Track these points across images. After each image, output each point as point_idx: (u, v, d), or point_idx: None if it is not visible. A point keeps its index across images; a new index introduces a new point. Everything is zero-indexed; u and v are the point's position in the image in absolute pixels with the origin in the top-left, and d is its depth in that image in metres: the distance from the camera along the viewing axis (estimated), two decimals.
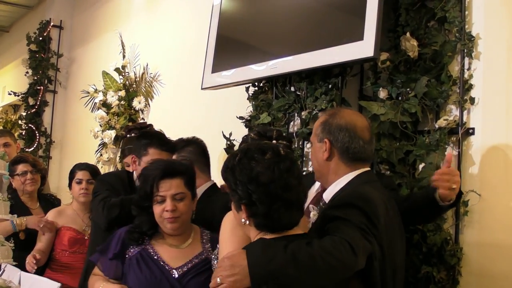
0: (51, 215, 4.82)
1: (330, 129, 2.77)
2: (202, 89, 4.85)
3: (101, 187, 3.78)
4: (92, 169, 4.97)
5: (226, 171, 2.38)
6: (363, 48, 3.45)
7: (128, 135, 5.06)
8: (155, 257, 2.97)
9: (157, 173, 2.96)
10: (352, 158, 2.73)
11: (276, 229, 2.30)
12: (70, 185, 4.91)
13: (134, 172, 3.84)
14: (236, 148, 4.61)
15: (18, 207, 4.69)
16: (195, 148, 3.89)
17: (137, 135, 4.46)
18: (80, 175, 4.84)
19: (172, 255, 3.00)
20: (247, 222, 2.32)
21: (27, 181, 5.02)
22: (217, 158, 5.15)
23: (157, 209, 2.95)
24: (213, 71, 4.73)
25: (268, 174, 2.25)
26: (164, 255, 2.99)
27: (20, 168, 5.03)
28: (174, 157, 4.05)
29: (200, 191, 3.56)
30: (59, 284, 4.19)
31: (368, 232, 2.37)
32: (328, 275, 2.22)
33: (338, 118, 2.78)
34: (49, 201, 5.33)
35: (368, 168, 2.80)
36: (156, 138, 3.79)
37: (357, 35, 3.48)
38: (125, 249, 3.02)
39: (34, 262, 4.33)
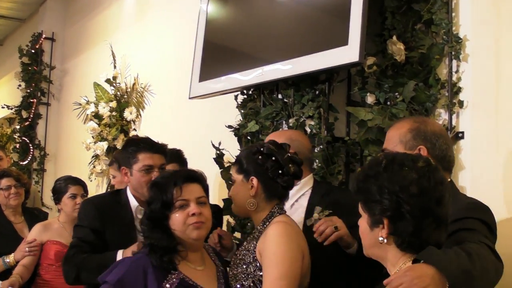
0: (36, 229, 4.75)
1: (426, 136, 2.63)
2: (189, 98, 4.80)
3: (83, 221, 3.45)
4: (83, 184, 4.93)
5: (366, 180, 2.05)
6: (348, 53, 3.39)
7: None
8: (195, 286, 2.61)
9: (178, 178, 2.67)
10: (447, 166, 2.65)
11: (420, 250, 1.99)
12: (58, 200, 4.82)
13: (128, 189, 3.50)
14: (226, 157, 4.56)
15: (1, 222, 4.67)
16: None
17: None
18: (74, 190, 4.72)
19: (204, 279, 2.67)
20: (385, 240, 2.01)
21: (11, 195, 4.96)
22: (206, 168, 5.09)
23: (179, 216, 2.62)
24: (201, 80, 4.67)
25: (423, 184, 1.96)
26: (199, 280, 2.63)
27: (4, 182, 4.97)
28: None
29: None
30: None
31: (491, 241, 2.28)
32: (494, 281, 2.14)
33: (431, 125, 2.69)
34: (34, 215, 5.26)
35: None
36: (142, 142, 3.49)
37: (342, 40, 3.42)
38: (160, 283, 2.56)
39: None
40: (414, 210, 1.94)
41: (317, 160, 3.70)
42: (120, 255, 3.12)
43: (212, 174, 5.00)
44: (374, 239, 2.04)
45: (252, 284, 2.64)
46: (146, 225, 2.69)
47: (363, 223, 2.09)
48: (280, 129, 4.04)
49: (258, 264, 2.64)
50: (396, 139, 2.68)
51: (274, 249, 2.59)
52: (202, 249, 2.81)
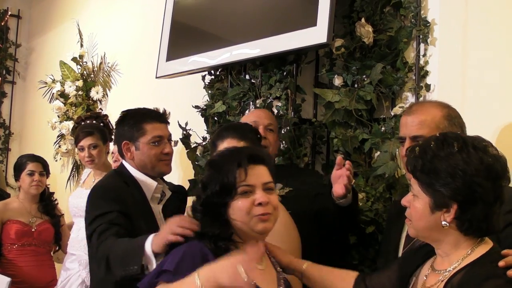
0: None
1: (458, 122, 2.58)
2: (156, 77, 4.76)
3: (103, 207, 2.84)
4: (43, 161, 5.00)
5: (435, 160, 1.90)
6: (316, 34, 3.38)
7: (83, 123, 4.98)
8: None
9: (242, 158, 2.22)
10: None
11: (484, 236, 1.94)
12: (17, 177, 4.88)
13: (130, 166, 3.09)
14: (192, 138, 4.53)
15: None
16: None
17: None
18: (32, 166, 4.86)
19: (264, 282, 2.23)
20: (448, 224, 1.91)
21: None
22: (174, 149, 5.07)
23: (242, 204, 2.17)
24: (168, 59, 4.64)
25: (497, 168, 1.87)
26: (258, 280, 2.13)
27: None
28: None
29: None
30: (9, 279, 4.16)
31: None
32: None
33: (453, 109, 2.62)
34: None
35: None
36: (147, 111, 3.16)
37: (311, 21, 3.41)
38: None
39: None
40: (488, 195, 1.86)
41: (283, 142, 3.69)
42: (150, 240, 2.45)
43: (177, 155, 4.98)
44: (434, 222, 1.94)
45: None
46: (200, 212, 2.27)
47: (420, 204, 1.98)
48: (248, 110, 4.03)
49: None
50: (433, 125, 2.55)
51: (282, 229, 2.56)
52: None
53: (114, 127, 3.31)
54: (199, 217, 2.28)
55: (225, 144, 2.90)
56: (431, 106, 2.64)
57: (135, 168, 3.06)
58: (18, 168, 4.88)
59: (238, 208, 2.17)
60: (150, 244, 2.42)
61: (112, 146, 4.64)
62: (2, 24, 8.89)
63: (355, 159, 3.50)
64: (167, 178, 4.16)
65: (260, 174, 2.23)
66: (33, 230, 4.75)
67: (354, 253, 3.33)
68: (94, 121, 4.97)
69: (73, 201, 4.57)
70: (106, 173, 4.04)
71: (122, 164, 3.13)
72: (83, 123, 5.01)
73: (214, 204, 2.21)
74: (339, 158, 2.81)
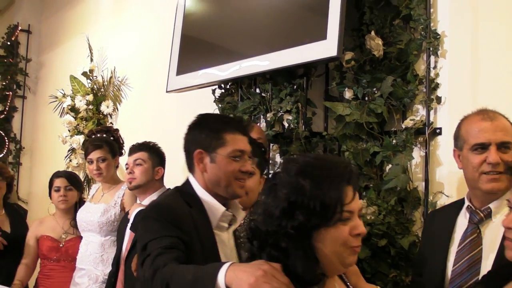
0: (33, 224, 5.01)
1: None
2: (167, 92, 4.77)
3: (151, 233, 2.38)
4: (69, 176, 5.03)
5: None
6: (326, 47, 3.38)
7: (93, 136, 5.01)
8: None
9: (351, 175, 1.84)
10: None
11: None
12: (50, 194, 4.97)
13: (197, 183, 2.60)
14: None
15: None
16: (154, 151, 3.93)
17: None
18: (58, 182, 4.90)
19: None
20: None
21: None
22: (183, 162, 5.07)
23: (342, 232, 1.78)
24: (178, 74, 4.65)
25: None
26: None
27: None
28: (130, 160, 4.00)
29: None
30: None
31: None
32: None
33: None
34: (14, 209, 5.30)
35: None
36: (228, 118, 2.83)
37: (320, 34, 3.41)
38: None
39: None
40: None
41: (294, 155, 3.69)
42: (224, 271, 1.95)
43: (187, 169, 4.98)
44: None
45: None
46: (287, 240, 1.79)
47: None
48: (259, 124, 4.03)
49: None
50: (510, 135, 2.56)
51: None
52: None
53: (186, 133, 2.73)
54: (284, 248, 1.80)
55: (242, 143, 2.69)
56: (498, 113, 2.61)
57: (203, 187, 2.58)
58: (49, 186, 4.95)
59: (334, 237, 1.78)
60: (224, 275, 1.93)
61: (121, 160, 4.65)
62: (13, 39, 8.94)
63: (366, 172, 3.49)
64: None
65: (357, 196, 1.86)
66: (61, 245, 4.78)
67: (366, 266, 3.31)
68: (104, 135, 4.99)
69: (82, 216, 4.58)
70: (164, 191, 4.04)
71: (187, 181, 2.65)
72: (93, 136, 5.04)
73: (303, 231, 1.77)
74: None
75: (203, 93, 4.73)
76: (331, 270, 1.86)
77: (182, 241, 2.32)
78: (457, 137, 2.67)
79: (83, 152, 5.19)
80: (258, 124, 4.04)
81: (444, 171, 3.30)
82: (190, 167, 2.64)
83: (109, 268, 4.20)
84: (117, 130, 5.18)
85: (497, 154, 2.48)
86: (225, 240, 2.60)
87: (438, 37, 3.38)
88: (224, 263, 1.98)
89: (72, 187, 4.91)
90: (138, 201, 4.12)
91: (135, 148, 4.06)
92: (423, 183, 3.36)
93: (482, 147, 2.52)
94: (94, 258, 4.44)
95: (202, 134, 2.59)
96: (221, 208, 2.56)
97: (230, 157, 2.53)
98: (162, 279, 2.14)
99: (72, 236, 4.83)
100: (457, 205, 2.74)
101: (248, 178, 2.68)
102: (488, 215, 2.54)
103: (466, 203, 2.65)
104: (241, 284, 1.84)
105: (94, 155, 4.59)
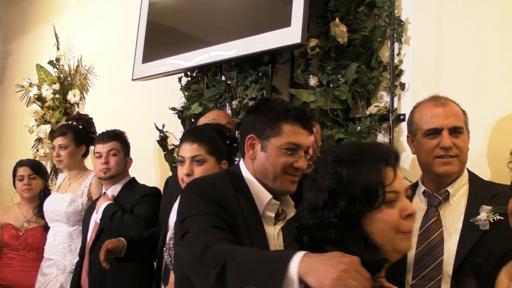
0: None
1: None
2: (132, 80, 4.74)
3: (193, 209, 2.22)
4: (33, 164, 5.00)
5: None
6: (290, 34, 3.38)
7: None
8: None
9: (389, 155, 1.74)
10: None
11: None
12: (14, 183, 4.95)
13: (245, 168, 2.45)
14: (169, 140, 4.53)
15: None
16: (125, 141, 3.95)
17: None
18: (21, 171, 4.89)
19: None
20: None
21: None
22: (151, 150, 5.06)
23: (390, 215, 1.68)
24: (144, 61, 4.62)
25: None
26: None
27: None
28: (102, 149, 3.97)
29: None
30: None
31: None
32: None
33: None
34: None
35: None
36: (289, 106, 2.44)
37: (285, 22, 3.41)
38: None
39: None
40: None
41: None
42: (298, 259, 1.69)
43: (154, 157, 4.98)
44: None
45: None
46: (334, 231, 1.69)
47: None
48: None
49: None
50: (462, 119, 2.64)
51: None
52: None
53: (244, 116, 2.64)
54: (335, 234, 1.70)
55: (182, 148, 2.89)
56: (450, 100, 2.67)
57: (252, 173, 2.41)
58: (13, 175, 4.94)
59: (383, 221, 1.68)
60: (298, 265, 1.69)
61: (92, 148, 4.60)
62: None
63: None
64: (142, 179, 4.17)
65: (401, 176, 1.76)
66: (20, 234, 4.75)
67: None
68: (74, 122, 4.93)
69: (49, 206, 4.54)
70: (130, 179, 4.14)
71: (237, 165, 2.51)
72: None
73: (351, 217, 1.68)
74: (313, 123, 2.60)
75: (169, 81, 4.71)
76: (388, 257, 1.72)
77: (225, 222, 2.16)
78: (411, 123, 2.72)
79: (50, 141, 5.14)
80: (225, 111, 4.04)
81: (408, 156, 3.31)
82: (242, 152, 2.48)
83: (77, 258, 4.18)
84: (91, 118, 5.13)
85: (450, 138, 2.54)
86: (271, 235, 2.36)
87: (402, 24, 3.40)
88: (294, 251, 1.73)
89: (36, 176, 4.88)
90: (104, 190, 4.09)
91: (107, 137, 4.01)
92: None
93: (435, 132, 2.58)
94: (62, 248, 4.41)
95: (258, 119, 2.40)
96: (267, 195, 2.36)
97: (282, 149, 2.33)
98: (217, 257, 1.91)
99: (34, 225, 4.80)
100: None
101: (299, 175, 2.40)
102: (446, 198, 2.60)
103: (422, 187, 2.69)
104: (321, 278, 1.63)
105: (56, 141, 4.55)
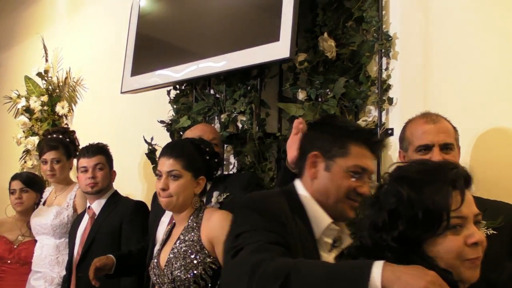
0: None
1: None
2: (121, 93, 4.74)
3: (249, 224, 2.02)
4: (26, 177, 4.98)
5: None
6: (279, 48, 3.39)
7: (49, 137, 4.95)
8: None
9: (457, 176, 1.63)
10: None
11: None
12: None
13: (303, 187, 2.25)
14: (157, 153, 4.52)
15: None
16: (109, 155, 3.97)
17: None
18: (13, 185, 4.88)
19: None
20: None
21: None
22: (139, 163, 5.06)
23: (454, 242, 1.59)
24: (133, 74, 4.62)
25: None
26: None
27: None
28: (88, 163, 3.96)
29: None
30: None
31: None
32: None
33: None
34: None
35: None
36: (358, 127, 2.39)
37: (273, 36, 3.42)
38: None
39: None
40: None
41: (248, 156, 3.70)
42: (379, 269, 1.56)
43: (143, 170, 4.97)
44: None
45: (203, 271, 2.74)
46: (391, 255, 1.61)
47: None
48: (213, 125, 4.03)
49: (206, 252, 2.77)
50: (451, 136, 2.66)
51: None
52: None
53: (305, 131, 2.42)
54: (393, 259, 1.59)
55: (160, 163, 2.91)
56: (441, 116, 2.70)
57: (310, 193, 2.22)
58: (9, 188, 4.93)
59: (446, 249, 1.59)
60: (380, 274, 1.56)
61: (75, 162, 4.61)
62: None
63: None
64: (128, 192, 4.16)
65: (471, 201, 1.65)
66: (14, 247, 4.73)
67: None
68: (60, 136, 4.93)
69: (35, 219, 4.53)
70: (113, 192, 4.14)
71: (292, 185, 2.30)
72: (49, 136, 4.98)
73: (410, 242, 1.59)
74: (296, 121, 2.64)
75: (158, 94, 4.72)
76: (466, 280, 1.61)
77: (284, 240, 1.97)
78: (402, 139, 2.75)
79: (38, 152, 5.13)
80: (212, 125, 4.04)
81: None
82: (300, 170, 2.29)
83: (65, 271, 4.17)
84: (73, 131, 5.13)
85: (440, 154, 2.55)
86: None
87: (390, 39, 3.41)
88: (371, 261, 1.59)
89: (28, 189, 4.85)
90: (88, 204, 4.08)
91: (93, 151, 4.01)
92: (376, 183, 3.38)
93: (426, 148, 2.60)
94: (49, 260, 4.40)
95: (325, 136, 2.23)
96: (327, 219, 2.16)
97: (349, 171, 2.16)
98: (279, 270, 1.72)
99: (28, 239, 4.78)
100: None
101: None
102: None
103: None
104: (407, 287, 1.52)
105: (49, 155, 4.54)
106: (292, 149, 2.60)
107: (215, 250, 2.77)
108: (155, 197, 3.78)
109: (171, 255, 2.82)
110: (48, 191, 4.84)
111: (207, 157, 3.04)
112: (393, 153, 3.35)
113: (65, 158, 4.60)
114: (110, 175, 4.10)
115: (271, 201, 2.14)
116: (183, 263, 2.76)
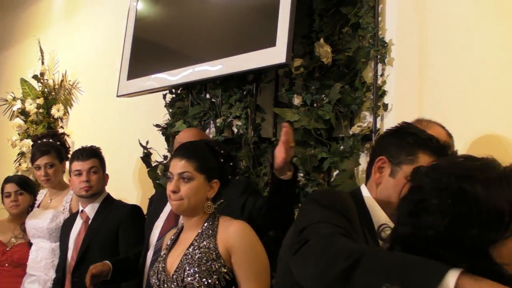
0: None
1: None
2: (117, 96, 4.74)
3: (317, 218, 1.94)
4: (20, 180, 4.96)
5: None
6: (275, 54, 3.39)
7: (39, 142, 4.94)
8: None
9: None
10: None
11: None
12: (2, 200, 4.92)
13: (367, 191, 2.23)
14: (153, 157, 4.53)
15: None
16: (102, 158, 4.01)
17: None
18: (8, 188, 4.85)
19: None
20: None
21: None
22: (133, 167, 5.06)
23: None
24: (129, 78, 4.63)
25: None
26: None
27: None
28: (82, 166, 3.95)
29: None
30: None
31: None
32: None
33: None
34: None
35: None
36: (430, 136, 2.23)
37: (270, 41, 3.43)
38: None
39: None
40: None
41: (243, 161, 3.70)
42: (455, 274, 1.43)
43: (138, 174, 4.97)
44: None
45: (217, 281, 2.60)
46: (463, 255, 1.47)
47: None
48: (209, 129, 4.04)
49: (222, 261, 2.63)
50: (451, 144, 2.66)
51: (250, 250, 2.65)
52: None
53: (379, 136, 2.50)
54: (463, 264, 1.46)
55: (172, 164, 2.78)
56: (435, 123, 2.74)
57: (374, 197, 2.20)
58: (1, 192, 4.92)
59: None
60: (456, 279, 1.43)
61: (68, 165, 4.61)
62: None
63: (314, 177, 3.51)
64: (126, 196, 4.16)
65: None
66: (7, 249, 4.72)
67: None
68: (50, 140, 4.93)
69: (31, 222, 4.53)
70: (106, 195, 4.11)
71: (358, 188, 2.28)
72: (39, 141, 4.97)
73: (477, 249, 1.44)
74: (284, 124, 2.75)
75: (154, 98, 4.72)
76: None
77: (349, 235, 1.87)
78: None
79: (30, 159, 5.12)
80: (207, 130, 4.05)
81: None
82: (368, 174, 2.27)
83: None
84: (63, 134, 5.13)
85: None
86: None
87: (385, 45, 3.42)
88: (445, 265, 1.46)
89: (23, 191, 4.84)
90: (80, 208, 4.06)
91: (87, 155, 3.98)
92: None
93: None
94: (45, 264, 4.39)
95: (394, 142, 2.20)
96: (381, 217, 2.12)
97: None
98: (348, 250, 1.66)
99: (21, 241, 4.77)
100: None
101: None
102: None
103: None
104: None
105: (42, 161, 4.53)
106: (278, 154, 2.77)
107: (231, 260, 2.66)
108: (151, 201, 3.78)
109: (184, 261, 2.68)
110: (42, 194, 4.85)
111: (222, 160, 2.90)
112: None
113: (58, 162, 4.60)
114: (104, 178, 4.08)
115: (339, 197, 2.11)
116: (197, 270, 2.62)
